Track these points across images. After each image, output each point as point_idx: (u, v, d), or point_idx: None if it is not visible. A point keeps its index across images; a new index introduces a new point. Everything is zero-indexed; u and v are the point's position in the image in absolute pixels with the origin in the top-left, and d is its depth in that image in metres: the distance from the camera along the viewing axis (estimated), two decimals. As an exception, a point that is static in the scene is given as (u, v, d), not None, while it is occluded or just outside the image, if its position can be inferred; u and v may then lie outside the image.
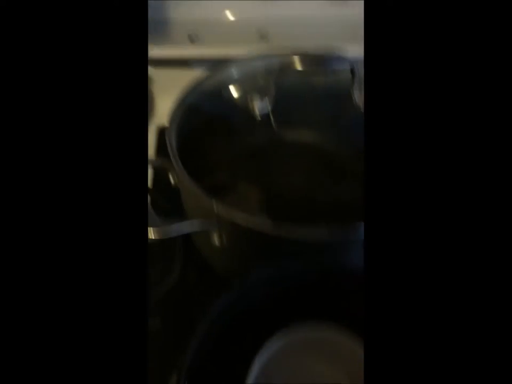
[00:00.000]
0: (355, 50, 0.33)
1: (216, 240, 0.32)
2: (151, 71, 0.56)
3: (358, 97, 0.38)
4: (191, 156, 0.39)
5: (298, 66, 0.37)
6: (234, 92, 0.43)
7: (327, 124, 0.43)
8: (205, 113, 0.42)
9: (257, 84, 0.40)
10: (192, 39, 0.48)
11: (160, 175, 0.38)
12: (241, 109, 0.41)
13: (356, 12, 0.42)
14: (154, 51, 0.50)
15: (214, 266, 0.38)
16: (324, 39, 0.44)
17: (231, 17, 0.47)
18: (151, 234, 0.28)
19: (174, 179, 0.37)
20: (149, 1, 0.40)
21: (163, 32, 0.47)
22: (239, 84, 0.43)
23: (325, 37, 0.47)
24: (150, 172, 0.46)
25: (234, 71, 0.43)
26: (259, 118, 0.37)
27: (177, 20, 0.47)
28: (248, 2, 0.46)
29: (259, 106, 0.36)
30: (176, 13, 0.46)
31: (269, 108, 0.36)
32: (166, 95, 0.60)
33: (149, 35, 0.48)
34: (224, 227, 0.31)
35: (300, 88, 0.40)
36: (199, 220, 0.30)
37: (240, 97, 0.41)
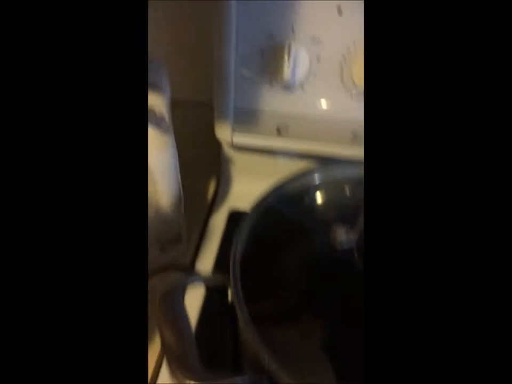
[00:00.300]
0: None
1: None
2: (232, 153, 0.53)
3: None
4: (256, 268, 0.34)
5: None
6: (316, 201, 0.39)
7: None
8: (282, 219, 0.37)
9: (344, 205, 0.36)
10: (280, 131, 0.44)
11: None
12: (321, 224, 0.35)
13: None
14: (238, 138, 0.47)
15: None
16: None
17: (324, 113, 0.43)
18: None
19: (231, 297, 0.32)
20: (238, 88, 0.37)
21: (251, 121, 0.44)
22: (323, 194, 0.38)
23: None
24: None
25: (319, 177, 0.39)
26: (340, 247, 0.31)
27: (266, 110, 0.43)
28: (344, 100, 0.41)
29: (343, 239, 0.30)
30: (266, 104, 0.43)
31: (355, 245, 0.30)
32: (244, 178, 0.58)
33: (234, 121, 0.46)
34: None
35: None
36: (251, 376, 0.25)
37: (323, 215, 0.36)
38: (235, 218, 0.55)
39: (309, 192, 0.39)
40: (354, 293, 0.31)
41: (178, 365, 0.24)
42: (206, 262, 0.49)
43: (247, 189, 0.58)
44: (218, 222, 0.54)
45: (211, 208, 0.56)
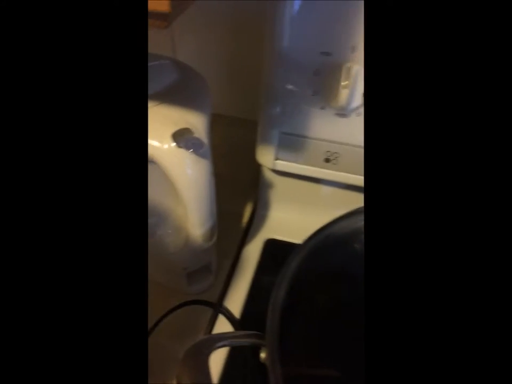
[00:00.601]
0: None
1: None
2: (272, 176, 0.49)
3: None
4: (296, 322, 0.29)
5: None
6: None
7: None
8: (327, 265, 0.33)
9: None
10: (329, 160, 0.39)
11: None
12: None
13: None
14: (281, 165, 0.43)
15: None
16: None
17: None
18: None
19: (264, 356, 0.28)
20: (286, 111, 0.33)
21: (297, 148, 0.40)
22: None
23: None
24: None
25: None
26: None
27: (315, 137, 0.39)
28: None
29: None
30: (315, 130, 0.38)
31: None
32: (283, 204, 0.53)
33: (278, 146, 0.41)
34: None
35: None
36: None
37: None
38: (272, 247, 0.50)
39: (358, 234, 0.34)
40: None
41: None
42: (237, 296, 0.45)
43: (286, 216, 0.55)
44: (253, 251, 0.50)
45: (246, 234, 0.52)
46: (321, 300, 0.32)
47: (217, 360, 0.38)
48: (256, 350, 0.28)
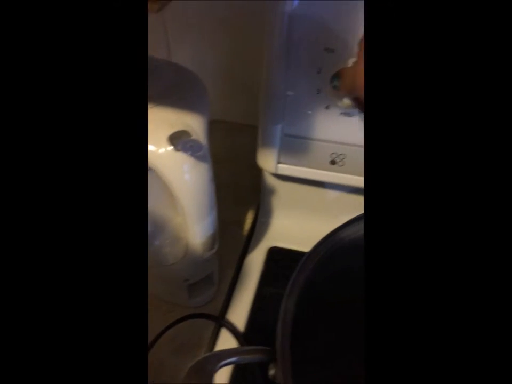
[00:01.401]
0: None
1: None
2: (274, 181, 0.47)
3: None
4: (306, 334, 0.27)
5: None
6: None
7: None
8: (337, 274, 0.31)
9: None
10: (335, 162, 0.37)
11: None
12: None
13: None
14: (284, 169, 0.41)
15: None
16: None
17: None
18: None
19: (274, 373, 0.25)
20: (288, 112, 0.32)
21: (301, 150, 0.38)
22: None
23: None
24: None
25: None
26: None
27: (320, 139, 0.37)
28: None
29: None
30: (320, 131, 0.37)
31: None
32: (286, 210, 0.51)
33: (280, 150, 0.40)
34: None
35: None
36: None
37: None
38: (275, 256, 0.48)
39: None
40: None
41: None
42: (240, 308, 0.42)
43: (289, 223, 0.53)
44: (255, 260, 0.47)
45: (248, 242, 0.50)
46: (334, 309, 0.30)
47: (222, 376, 0.36)
48: (263, 365, 0.26)
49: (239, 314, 0.42)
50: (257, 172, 0.47)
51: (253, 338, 0.40)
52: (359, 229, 0.32)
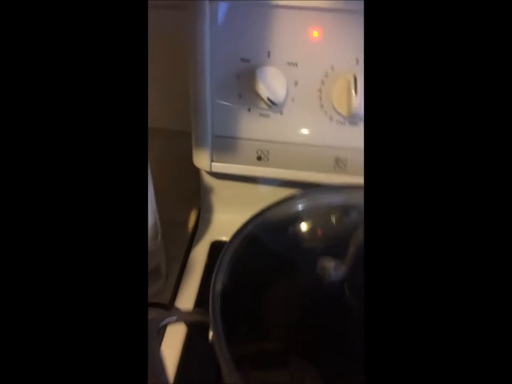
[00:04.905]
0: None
1: None
2: (212, 181, 0.52)
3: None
4: (239, 303, 0.31)
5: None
6: (300, 229, 0.37)
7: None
8: (265, 250, 0.35)
9: (329, 234, 0.34)
10: (261, 158, 0.42)
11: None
12: (307, 254, 0.34)
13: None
14: (217, 167, 0.45)
15: None
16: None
17: (305, 139, 0.42)
18: None
19: (211, 336, 0.30)
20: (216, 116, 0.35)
21: (230, 149, 0.43)
22: (307, 222, 0.36)
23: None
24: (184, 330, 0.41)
25: (302, 204, 0.37)
26: (330, 282, 0.29)
27: (245, 138, 0.42)
28: (324, 125, 0.40)
29: (331, 270, 0.28)
30: (245, 131, 0.41)
31: (345, 277, 0.28)
32: (225, 207, 0.56)
33: (212, 149, 0.44)
34: None
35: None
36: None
37: (308, 244, 0.35)
38: (218, 249, 0.52)
39: (292, 220, 0.38)
40: (348, 334, 0.29)
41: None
42: (187, 297, 0.46)
43: (229, 218, 0.56)
44: (200, 254, 0.51)
45: (192, 239, 0.54)
46: (261, 283, 0.34)
47: (174, 344, 0.40)
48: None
49: (186, 303, 0.46)
50: (197, 174, 0.51)
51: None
52: (284, 209, 0.37)
